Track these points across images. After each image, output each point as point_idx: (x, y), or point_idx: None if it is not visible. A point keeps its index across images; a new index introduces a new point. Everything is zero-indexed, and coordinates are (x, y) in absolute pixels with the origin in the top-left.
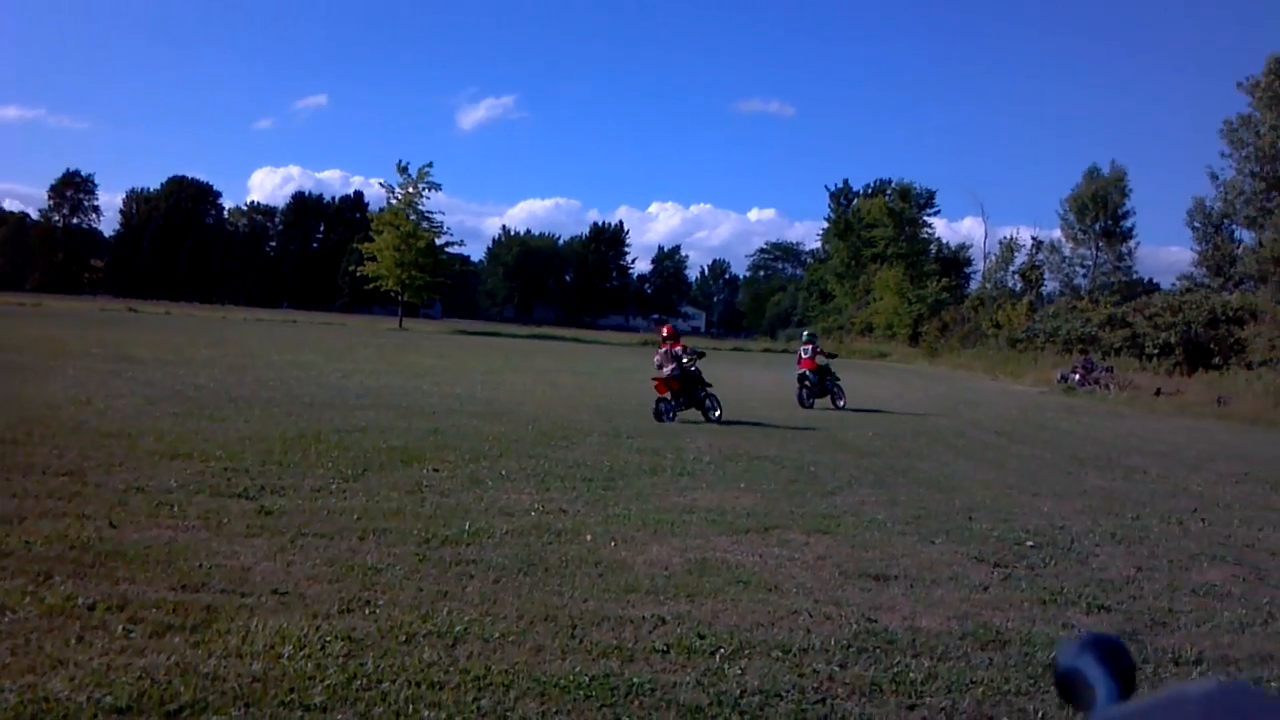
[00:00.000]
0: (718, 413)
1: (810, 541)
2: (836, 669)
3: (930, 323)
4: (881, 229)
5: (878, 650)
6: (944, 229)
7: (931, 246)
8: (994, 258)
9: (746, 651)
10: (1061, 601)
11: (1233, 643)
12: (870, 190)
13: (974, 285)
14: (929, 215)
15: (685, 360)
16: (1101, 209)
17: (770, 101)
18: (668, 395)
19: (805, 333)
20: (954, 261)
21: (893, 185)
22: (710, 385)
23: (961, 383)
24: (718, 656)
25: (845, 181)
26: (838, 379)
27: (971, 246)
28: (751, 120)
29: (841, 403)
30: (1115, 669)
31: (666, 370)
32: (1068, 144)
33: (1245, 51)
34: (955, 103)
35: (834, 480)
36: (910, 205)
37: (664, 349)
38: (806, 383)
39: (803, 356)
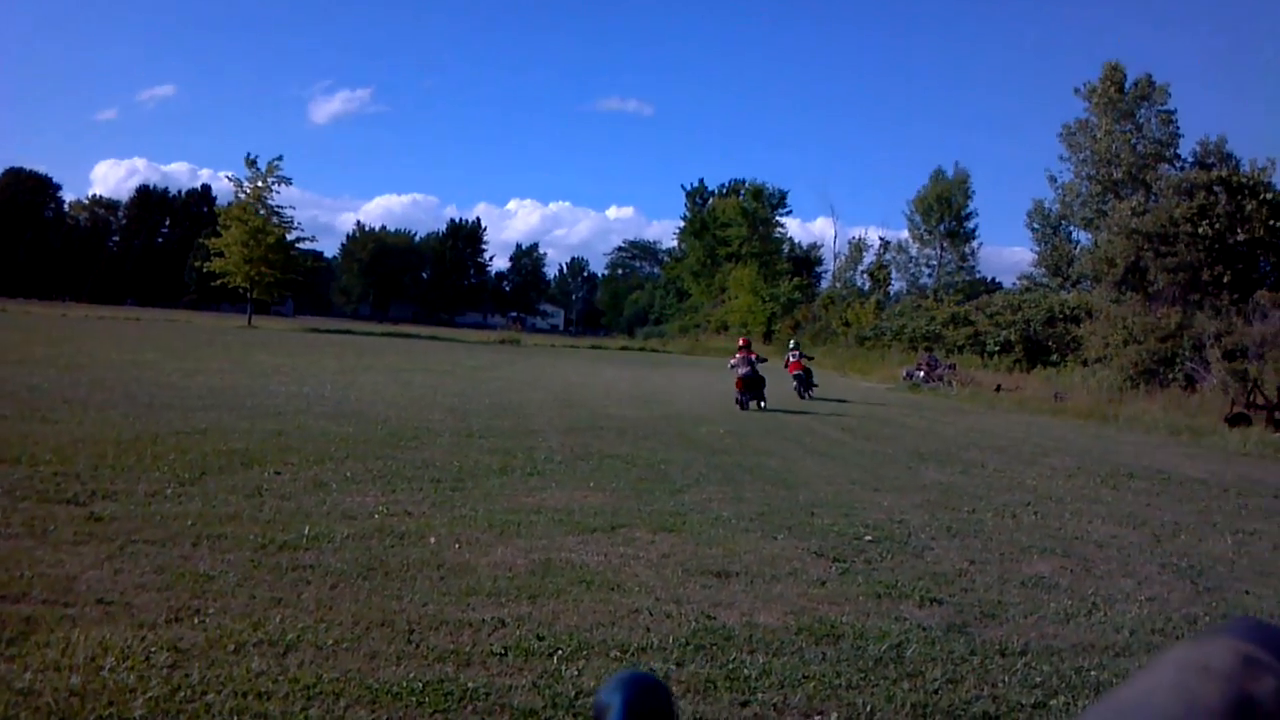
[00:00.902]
0: (764, 404)
1: (656, 540)
2: (673, 667)
3: (783, 321)
4: (735, 228)
5: (715, 647)
6: (797, 229)
7: (784, 246)
8: (844, 257)
9: (585, 652)
10: (896, 595)
11: (1058, 633)
12: (725, 190)
13: (825, 284)
14: (782, 215)
15: (757, 364)
16: (946, 210)
17: (629, 100)
18: (743, 388)
19: (792, 341)
20: (806, 261)
21: (747, 185)
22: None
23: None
24: (555, 658)
25: (701, 181)
26: (814, 377)
27: (823, 246)
28: (611, 118)
29: (812, 394)
30: (639, 709)
31: (742, 371)
32: (916, 147)
33: (1083, 58)
34: (807, 104)
35: (683, 478)
36: (763, 205)
37: (739, 355)
38: (798, 380)
39: (790, 360)
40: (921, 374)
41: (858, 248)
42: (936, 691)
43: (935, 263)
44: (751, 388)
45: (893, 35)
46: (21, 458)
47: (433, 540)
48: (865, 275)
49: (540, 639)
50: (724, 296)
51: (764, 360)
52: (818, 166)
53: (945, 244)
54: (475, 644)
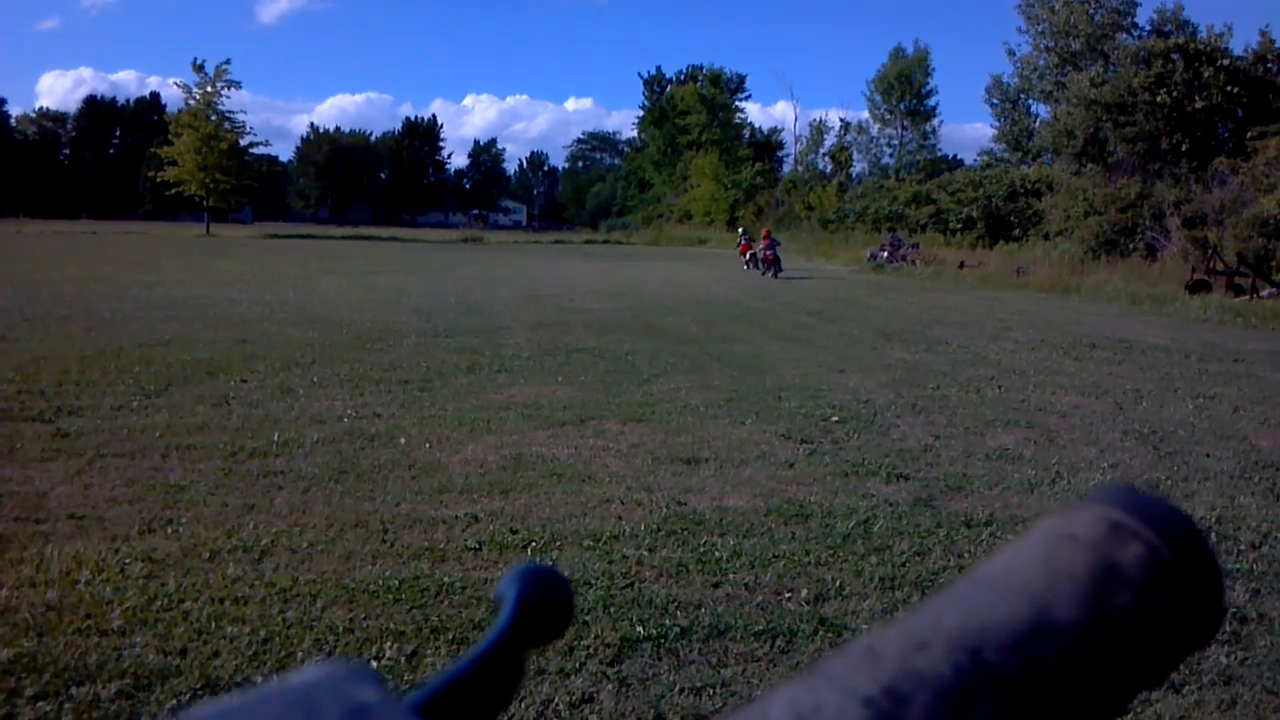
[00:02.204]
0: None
1: (625, 430)
2: (645, 553)
3: (746, 207)
4: (695, 115)
5: (685, 532)
6: (758, 114)
7: (745, 131)
8: (805, 141)
9: (558, 543)
10: (862, 473)
11: (1021, 503)
12: (683, 77)
13: (787, 169)
14: (741, 100)
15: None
16: (906, 89)
17: None
18: (771, 262)
19: (740, 228)
20: (767, 145)
21: (705, 71)
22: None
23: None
24: (529, 550)
25: (658, 69)
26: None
27: (784, 130)
28: (566, 7)
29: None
30: (533, 600)
31: (770, 254)
32: (874, 25)
33: None
34: None
35: (651, 369)
36: (722, 91)
37: (765, 241)
38: (773, 264)
39: (767, 255)
40: (885, 255)
41: (819, 130)
42: (904, 564)
43: (896, 143)
44: (777, 263)
45: None
46: None
47: (403, 440)
48: (827, 158)
49: (514, 533)
50: (686, 185)
51: (778, 243)
52: (776, 49)
53: (906, 123)
54: (449, 540)
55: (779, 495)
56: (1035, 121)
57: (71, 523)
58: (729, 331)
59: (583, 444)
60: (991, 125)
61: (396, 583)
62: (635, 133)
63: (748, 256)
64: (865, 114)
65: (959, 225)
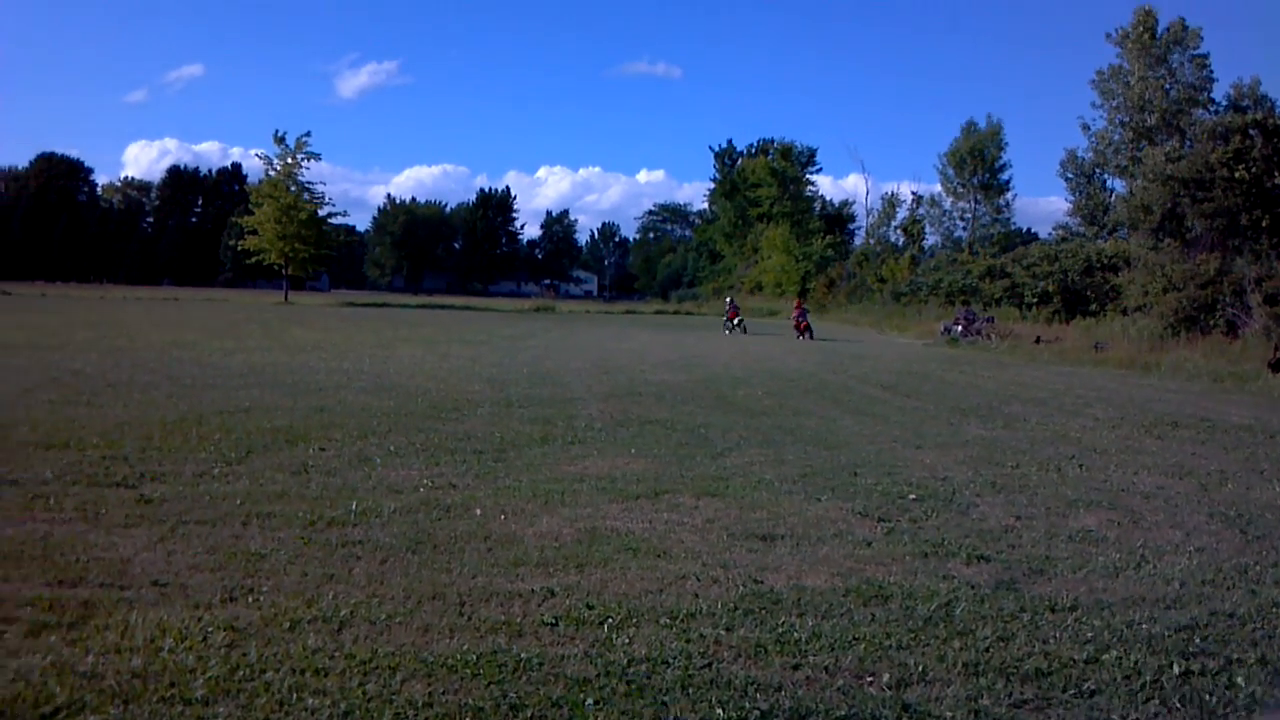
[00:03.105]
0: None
1: (700, 505)
2: (723, 632)
3: (817, 279)
4: (766, 188)
5: (764, 611)
6: (829, 186)
7: (816, 204)
8: (877, 213)
9: (635, 620)
10: (942, 554)
11: (1107, 587)
12: (754, 150)
13: (859, 241)
14: (812, 173)
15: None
16: (979, 162)
17: (657, 63)
18: (804, 328)
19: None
20: (838, 218)
21: (775, 144)
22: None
23: (849, 338)
24: (606, 626)
25: (729, 142)
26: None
27: (855, 203)
28: (638, 82)
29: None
30: None
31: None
32: (946, 99)
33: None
34: (835, 60)
35: (724, 442)
36: (793, 164)
37: (798, 310)
38: (807, 329)
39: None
40: (959, 328)
41: (891, 203)
42: (988, 649)
43: (969, 216)
44: (809, 330)
45: None
46: (70, 442)
47: (478, 512)
48: (899, 231)
49: (590, 608)
50: (757, 257)
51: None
52: (847, 123)
53: (979, 196)
54: (526, 615)
55: (857, 575)
56: (1111, 196)
57: (155, 589)
58: (801, 405)
59: (657, 518)
60: (1066, 199)
61: (474, 657)
62: (706, 205)
63: (735, 322)
64: (938, 187)
65: (1034, 299)
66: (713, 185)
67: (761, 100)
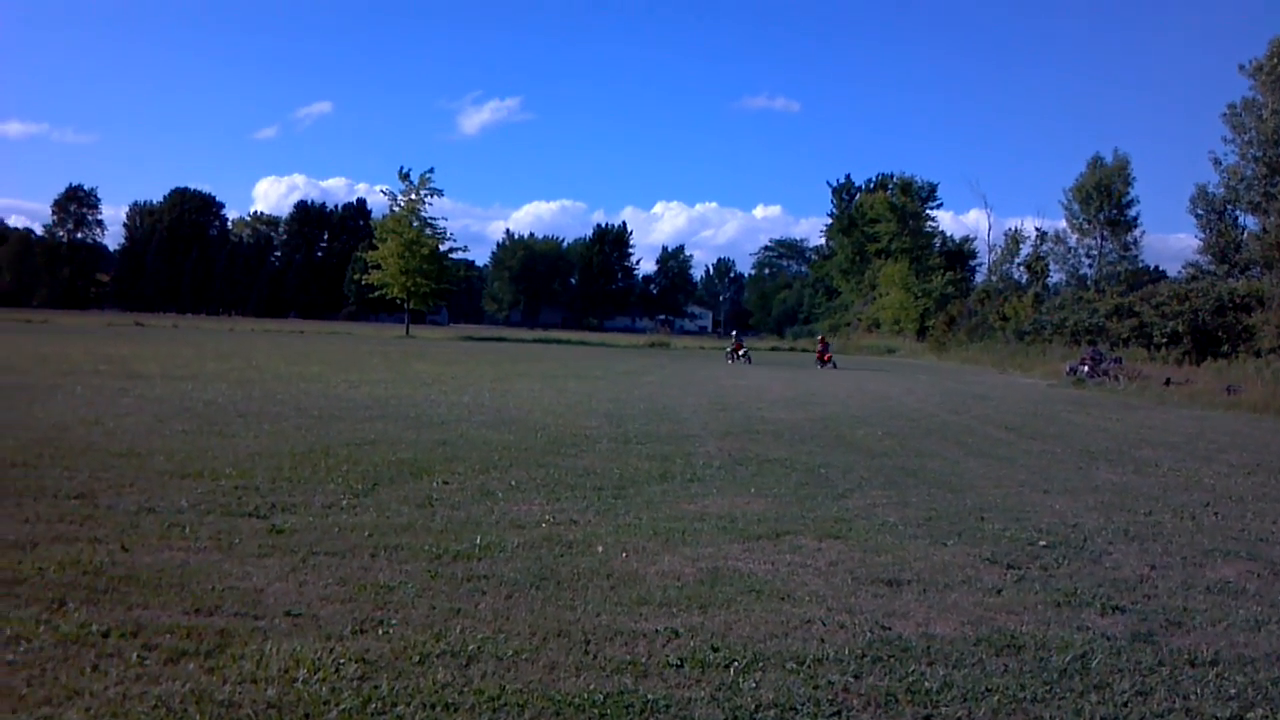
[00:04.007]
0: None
1: (822, 547)
2: (851, 680)
3: (937, 317)
4: (884, 224)
5: (892, 659)
6: (950, 222)
7: (936, 240)
8: (999, 250)
9: (760, 664)
10: (1076, 603)
11: (1249, 641)
12: (872, 185)
13: (980, 278)
14: (932, 208)
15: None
16: (1105, 198)
17: (775, 98)
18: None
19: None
20: (959, 254)
21: (895, 179)
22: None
23: (970, 377)
24: (732, 670)
25: (847, 177)
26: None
27: (976, 239)
28: (756, 117)
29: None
30: None
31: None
32: (1070, 133)
33: (1247, 34)
34: (957, 95)
35: (845, 482)
36: (912, 199)
37: (821, 344)
38: (829, 361)
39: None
40: (1086, 369)
41: (1014, 239)
42: (1126, 704)
43: (1095, 253)
44: (832, 360)
45: (1044, 19)
46: (203, 472)
47: (600, 549)
48: (1022, 268)
49: (715, 650)
50: (874, 293)
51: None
52: (970, 158)
53: (1105, 233)
54: (651, 655)
55: (988, 624)
56: (1243, 233)
57: (288, 620)
58: (923, 446)
59: (779, 560)
60: (1196, 236)
61: (601, 697)
62: (823, 240)
63: (741, 353)
64: (1062, 223)
65: (1163, 340)
66: (830, 221)
67: (881, 135)
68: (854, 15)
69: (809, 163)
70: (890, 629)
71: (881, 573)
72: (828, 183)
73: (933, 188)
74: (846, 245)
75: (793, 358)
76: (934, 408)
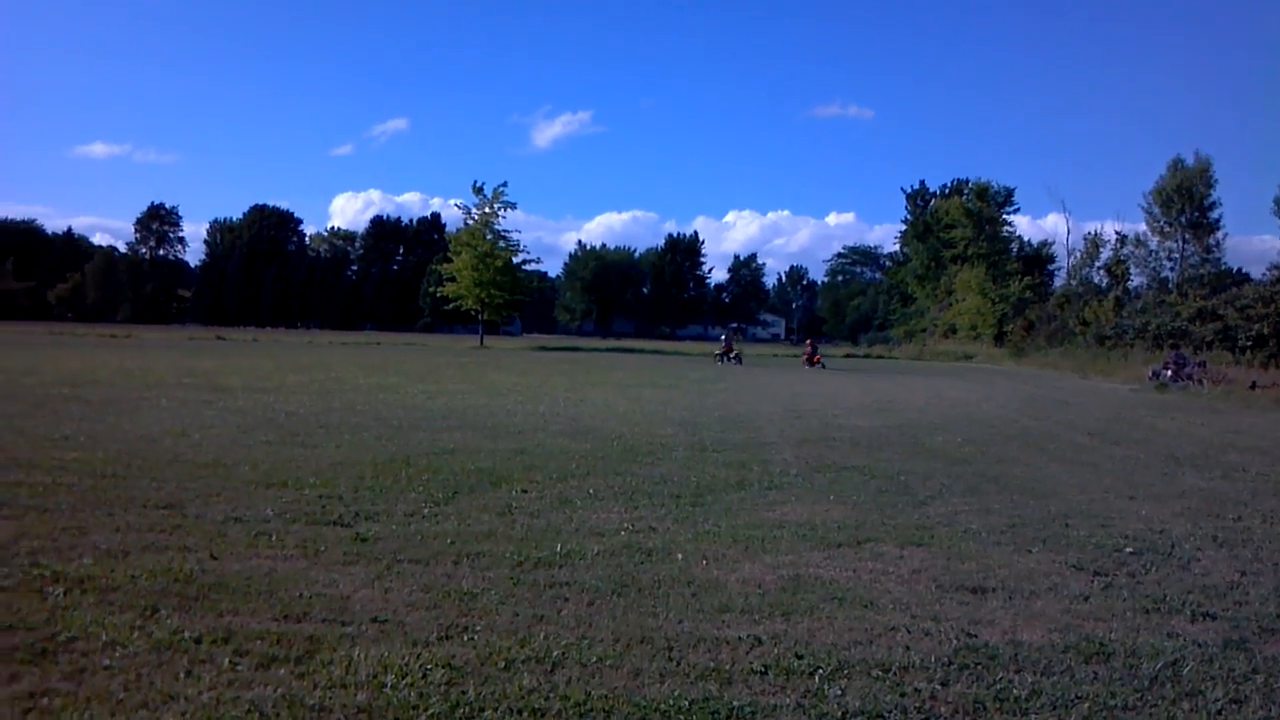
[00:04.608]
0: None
1: (904, 554)
2: (938, 687)
3: (1015, 322)
4: (960, 229)
5: (979, 666)
6: (1027, 226)
7: (1013, 245)
8: (1078, 254)
9: (846, 671)
10: (1165, 610)
11: None
12: (948, 190)
13: (1059, 282)
14: (1009, 213)
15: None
16: (1187, 201)
17: (849, 105)
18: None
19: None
20: (1037, 259)
21: (970, 184)
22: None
23: (1050, 383)
24: (817, 677)
25: (922, 183)
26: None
27: (1054, 243)
28: (829, 125)
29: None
30: None
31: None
32: (1150, 135)
33: None
34: (1034, 98)
35: (925, 490)
36: (988, 204)
37: (809, 346)
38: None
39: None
40: (1169, 373)
41: (1094, 243)
42: (1219, 712)
43: (1177, 255)
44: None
45: (1120, 21)
46: (288, 481)
47: (680, 556)
48: (1102, 272)
49: (799, 657)
50: (950, 299)
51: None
52: (1046, 161)
53: (1187, 236)
54: (734, 662)
55: (1076, 631)
56: None
57: (374, 626)
58: (1004, 452)
59: (861, 567)
60: None
61: (686, 704)
62: (898, 246)
63: (733, 356)
64: (1143, 226)
65: (1249, 343)
66: (904, 227)
67: (956, 140)
68: (928, 20)
69: (883, 169)
70: (976, 636)
71: (965, 580)
72: (902, 189)
73: (1009, 192)
74: (922, 251)
75: (867, 364)
76: (1014, 413)
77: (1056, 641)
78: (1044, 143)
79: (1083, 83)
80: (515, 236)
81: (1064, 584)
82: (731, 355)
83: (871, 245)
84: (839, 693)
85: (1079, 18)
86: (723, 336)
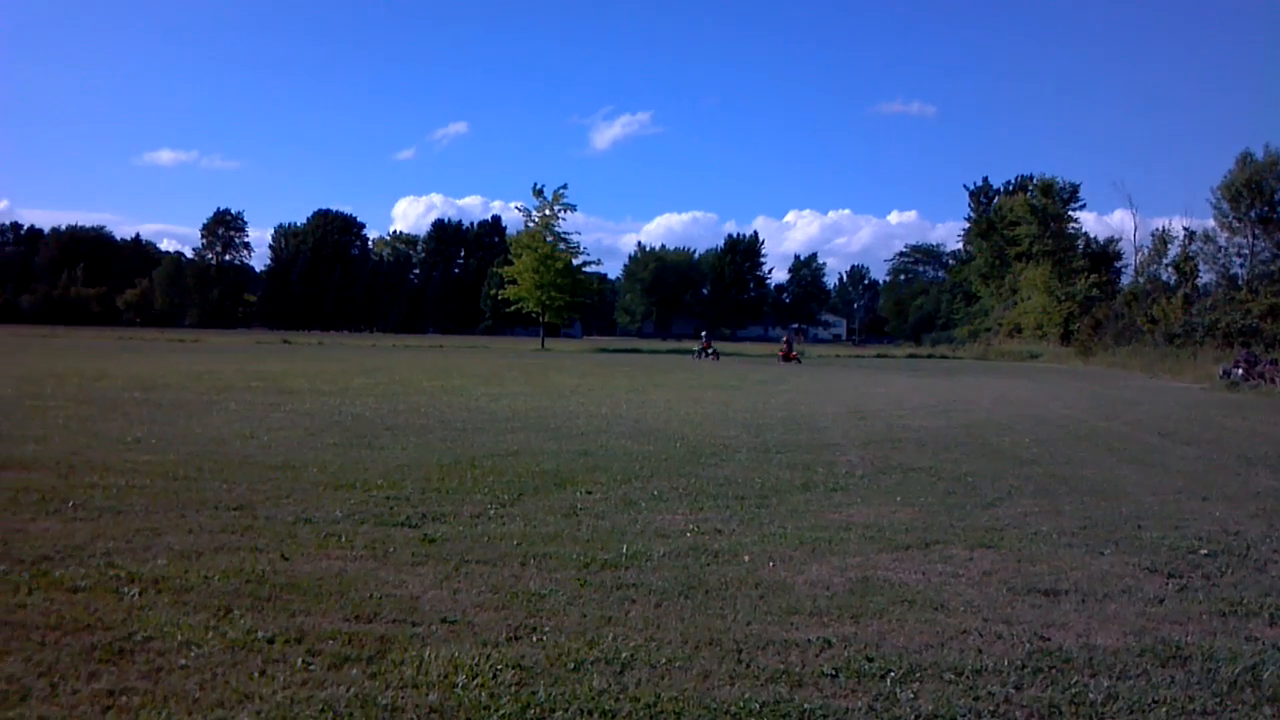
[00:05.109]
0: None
1: (974, 556)
2: (1012, 691)
3: (1082, 321)
4: (1025, 226)
5: (1054, 670)
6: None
7: (1079, 242)
8: (1146, 251)
9: (917, 674)
10: (1242, 613)
11: None
12: (1011, 187)
13: (1126, 280)
14: (1074, 209)
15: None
16: (1257, 195)
17: (911, 102)
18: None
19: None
20: (1103, 256)
21: (1035, 181)
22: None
23: (1118, 382)
24: (888, 680)
25: (985, 180)
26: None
27: (1121, 240)
28: (891, 122)
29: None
30: None
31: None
32: (1217, 129)
33: None
34: (1098, 94)
35: (993, 491)
36: (1054, 201)
37: (785, 342)
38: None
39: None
40: (1240, 372)
41: (1162, 240)
42: None
43: (1247, 251)
44: (798, 357)
45: (1185, 13)
46: (355, 483)
47: (746, 558)
48: (1170, 269)
49: (870, 660)
50: (1015, 298)
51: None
52: (1112, 157)
53: (1258, 231)
54: (804, 664)
55: (1151, 634)
56: None
57: (444, 626)
58: (1073, 453)
59: (930, 569)
60: None
61: (757, 705)
62: (961, 245)
63: (710, 352)
64: (1211, 222)
65: None
66: (968, 225)
67: (1020, 136)
68: (991, 14)
69: (945, 166)
70: (1050, 639)
71: (1037, 582)
72: (965, 186)
73: (1074, 188)
74: (985, 249)
75: (930, 364)
76: (1082, 413)
77: (1132, 645)
78: (1110, 137)
79: (1149, 76)
80: (575, 238)
81: (1138, 586)
82: (709, 351)
83: (934, 244)
84: (911, 696)
85: (1145, 9)
86: (702, 334)
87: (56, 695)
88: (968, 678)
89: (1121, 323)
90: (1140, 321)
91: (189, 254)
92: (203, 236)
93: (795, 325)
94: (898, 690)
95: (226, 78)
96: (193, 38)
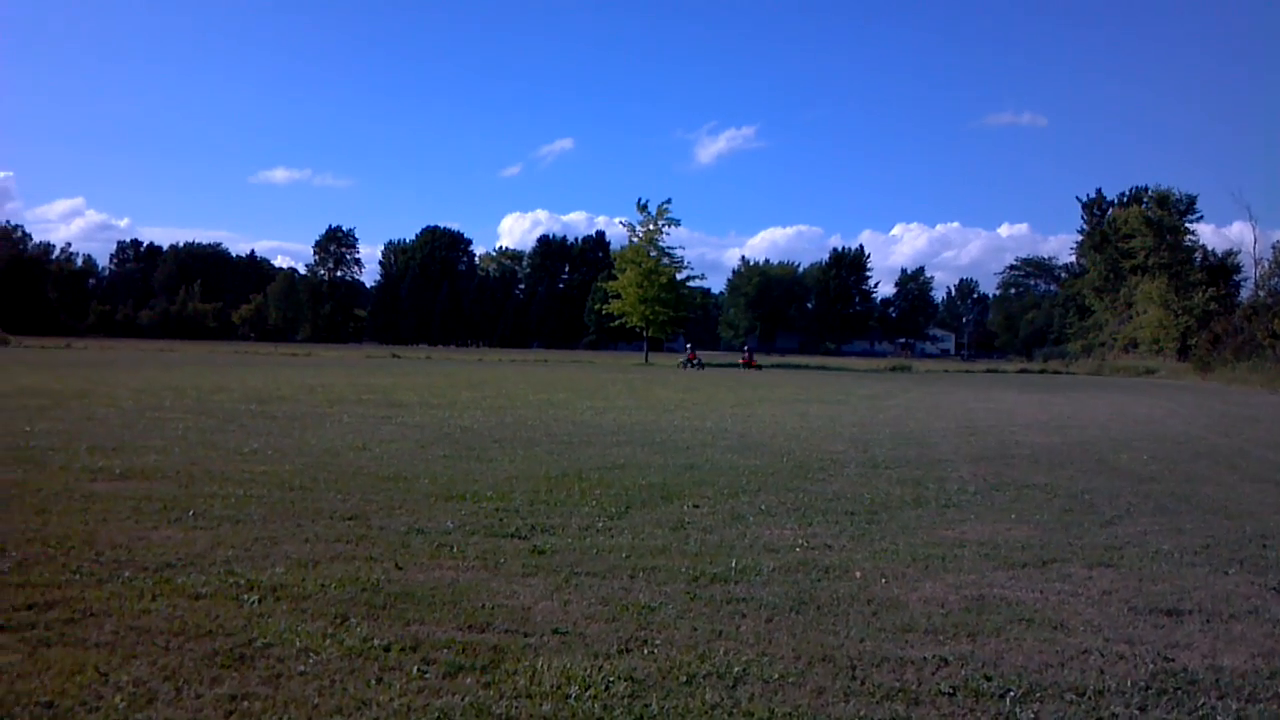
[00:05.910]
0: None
1: (1093, 575)
2: (1136, 712)
3: (1200, 335)
4: (1140, 239)
5: (1179, 692)
6: (1210, 235)
7: (1196, 254)
8: (1266, 263)
9: (1038, 694)
10: None
11: None
12: (1126, 199)
13: (1246, 293)
14: (1191, 221)
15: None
16: None
17: (1021, 113)
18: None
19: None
20: (1222, 269)
21: (1150, 192)
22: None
23: (1237, 398)
24: (1008, 700)
25: (1099, 191)
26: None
27: (1240, 252)
28: (1001, 134)
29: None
30: None
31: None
32: None
33: None
34: (1216, 101)
35: (1111, 508)
36: (1169, 212)
37: (748, 352)
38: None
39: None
40: None
41: None
42: None
43: None
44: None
45: None
46: (466, 494)
47: (858, 574)
48: None
49: (988, 679)
50: (1130, 312)
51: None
52: (1231, 168)
53: None
54: (920, 682)
55: None
56: None
57: (556, 638)
58: (1193, 470)
59: (1048, 588)
60: None
61: None
62: (1074, 258)
63: (695, 361)
64: None
65: None
66: (1081, 237)
67: (1134, 146)
68: (1102, 23)
69: (1057, 178)
70: (1174, 660)
71: (1159, 602)
72: (1078, 198)
73: (1191, 200)
74: (1099, 262)
75: (1043, 380)
76: (1201, 430)
77: (1260, 667)
78: (1228, 147)
79: (1268, 84)
80: (679, 253)
81: (1265, 607)
82: (695, 361)
83: (1046, 257)
84: (1031, 716)
85: (1261, 14)
86: (687, 345)
87: (181, 699)
88: (1090, 698)
89: (1241, 337)
90: (1261, 336)
91: (302, 270)
92: (315, 253)
93: (902, 340)
94: (1018, 710)
95: (339, 98)
96: (306, 60)
